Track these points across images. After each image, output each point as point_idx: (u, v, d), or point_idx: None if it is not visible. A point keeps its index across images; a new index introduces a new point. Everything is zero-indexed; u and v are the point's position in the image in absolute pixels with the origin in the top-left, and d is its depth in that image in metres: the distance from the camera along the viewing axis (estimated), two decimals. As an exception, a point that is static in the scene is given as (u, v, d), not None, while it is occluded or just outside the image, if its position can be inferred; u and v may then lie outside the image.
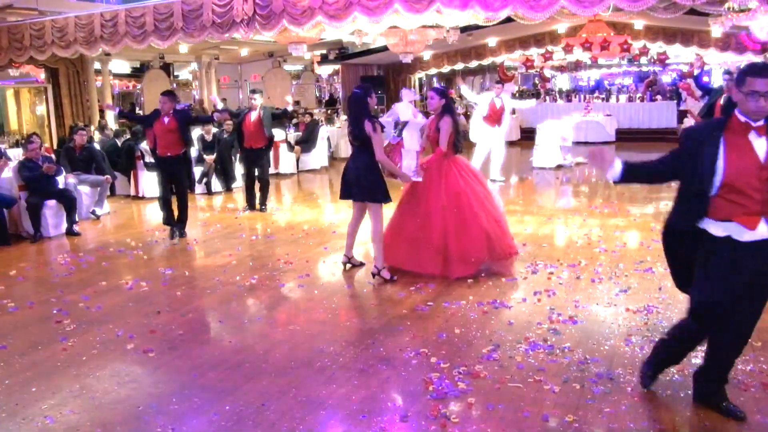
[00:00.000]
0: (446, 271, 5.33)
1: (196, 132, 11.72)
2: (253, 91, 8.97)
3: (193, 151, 10.75)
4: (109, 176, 8.82)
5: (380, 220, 5.34)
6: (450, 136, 5.47)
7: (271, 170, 10.30)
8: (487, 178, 10.61)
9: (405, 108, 5.49)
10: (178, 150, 7.24)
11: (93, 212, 8.67)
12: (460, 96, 19.42)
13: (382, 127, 5.27)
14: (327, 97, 22.31)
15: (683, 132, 3.10)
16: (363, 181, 5.25)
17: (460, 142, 5.56)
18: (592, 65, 19.97)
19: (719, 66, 17.85)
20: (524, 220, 7.74)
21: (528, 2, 6.82)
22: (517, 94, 20.04)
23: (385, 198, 5.31)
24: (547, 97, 20.18)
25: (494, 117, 10.39)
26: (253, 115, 8.60)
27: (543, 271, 5.51)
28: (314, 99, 21.53)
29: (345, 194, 5.50)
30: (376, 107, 5.44)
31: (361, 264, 5.80)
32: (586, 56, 15.00)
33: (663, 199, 8.63)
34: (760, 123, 2.75)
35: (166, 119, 7.16)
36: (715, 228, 2.84)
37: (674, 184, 3.01)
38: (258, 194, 8.87)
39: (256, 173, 8.80)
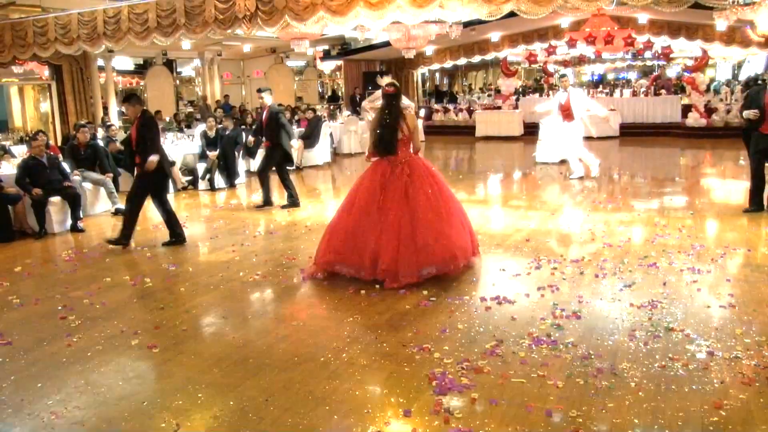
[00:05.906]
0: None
1: (198, 128, 11.76)
2: (260, 90, 8.94)
3: (197, 148, 10.83)
4: (110, 173, 8.83)
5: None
6: (371, 138, 5.24)
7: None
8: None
9: None
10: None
11: (117, 210, 8.39)
12: None
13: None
14: (329, 93, 22.29)
15: None
16: None
17: (378, 144, 5.24)
18: (596, 60, 19.89)
19: (724, 60, 17.79)
20: (528, 215, 7.73)
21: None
22: (520, 89, 19.97)
23: None
24: (551, 92, 20.12)
25: (565, 112, 10.50)
26: (263, 114, 8.70)
27: (546, 267, 5.50)
28: (317, 95, 21.52)
29: None
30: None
31: None
32: (590, 51, 14.96)
33: (667, 194, 8.61)
34: None
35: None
36: None
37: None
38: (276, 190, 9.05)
39: (273, 169, 8.86)
